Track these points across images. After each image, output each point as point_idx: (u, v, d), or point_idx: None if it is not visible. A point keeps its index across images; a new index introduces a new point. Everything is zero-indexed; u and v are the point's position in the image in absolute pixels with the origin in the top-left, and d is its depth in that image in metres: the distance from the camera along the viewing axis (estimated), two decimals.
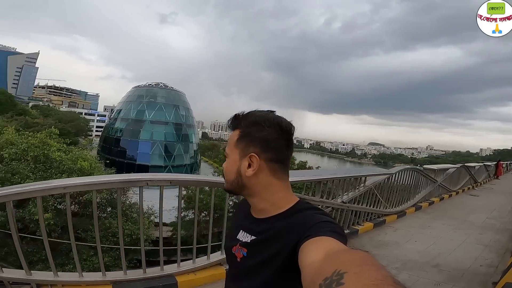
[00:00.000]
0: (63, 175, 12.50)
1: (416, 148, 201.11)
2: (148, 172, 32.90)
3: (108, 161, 33.38)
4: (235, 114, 0.89)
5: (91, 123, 65.99)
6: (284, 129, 0.84)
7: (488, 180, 15.52)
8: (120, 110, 37.75)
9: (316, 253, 0.61)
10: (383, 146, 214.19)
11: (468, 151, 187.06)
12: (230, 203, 6.02)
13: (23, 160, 12.36)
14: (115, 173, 27.00)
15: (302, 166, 44.46)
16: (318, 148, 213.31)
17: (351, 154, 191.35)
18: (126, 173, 32.66)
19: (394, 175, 5.95)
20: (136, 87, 40.36)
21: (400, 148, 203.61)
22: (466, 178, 11.33)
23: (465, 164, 11.62)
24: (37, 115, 48.61)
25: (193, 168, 39.29)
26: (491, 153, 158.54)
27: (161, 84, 40.40)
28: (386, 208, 5.81)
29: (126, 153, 33.22)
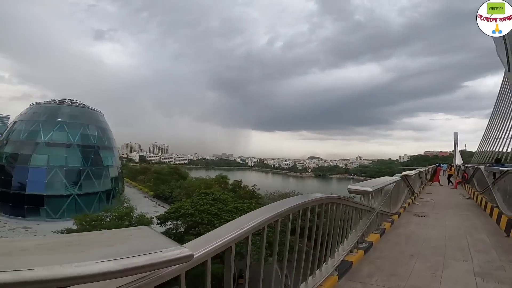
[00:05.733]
0: None
1: (348, 159, 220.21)
2: (43, 202, 27.32)
3: None
4: None
5: None
6: None
7: (422, 189, 14.50)
8: (10, 132, 31.05)
9: None
10: (321, 159, 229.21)
11: (390, 159, 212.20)
12: None
13: None
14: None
15: (237, 185, 43.39)
16: (262, 165, 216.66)
17: (293, 169, 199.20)
18: (13, 205, 27.04)
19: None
20: (34, 104, 34.10)
21: (336, 160, 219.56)
22: (405, 191, 9.59)
23: (404, 173, 9.50)
24: None
25: (111, 194, 34.58)
26: (408, 159, 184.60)
27: (67, 100, 34.83)
28: None
29: (12, 182, 26.96)
